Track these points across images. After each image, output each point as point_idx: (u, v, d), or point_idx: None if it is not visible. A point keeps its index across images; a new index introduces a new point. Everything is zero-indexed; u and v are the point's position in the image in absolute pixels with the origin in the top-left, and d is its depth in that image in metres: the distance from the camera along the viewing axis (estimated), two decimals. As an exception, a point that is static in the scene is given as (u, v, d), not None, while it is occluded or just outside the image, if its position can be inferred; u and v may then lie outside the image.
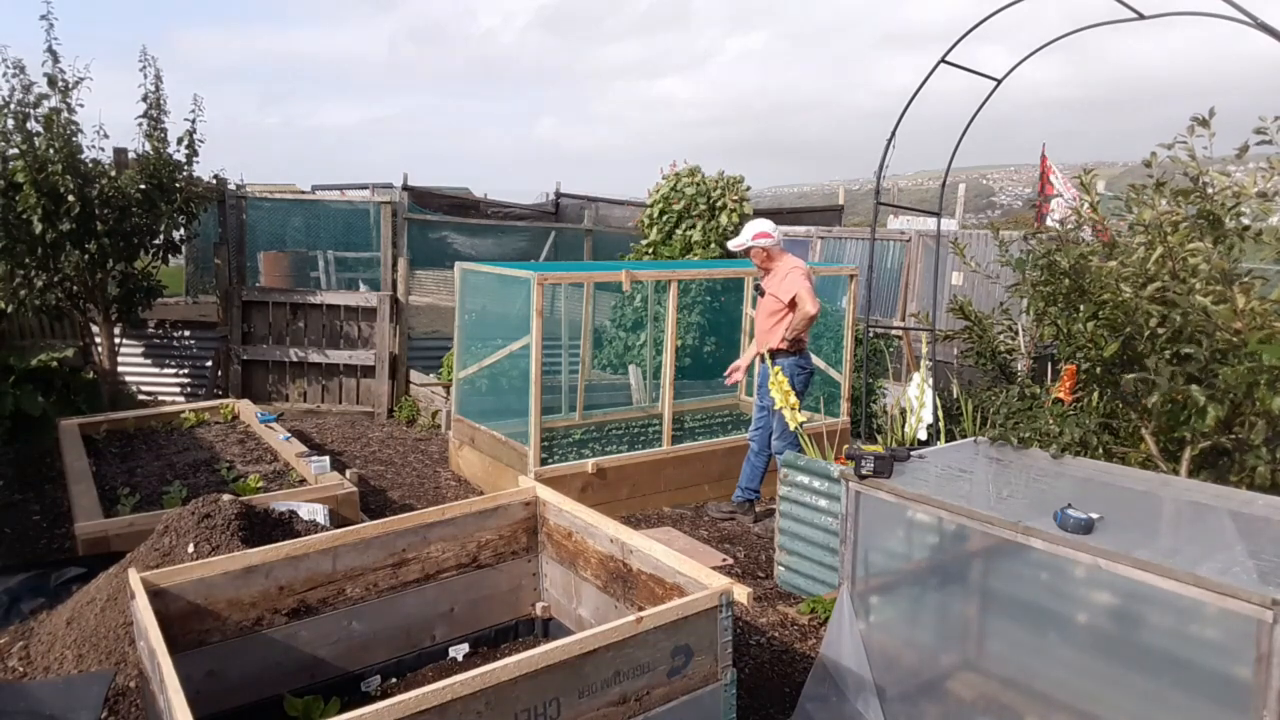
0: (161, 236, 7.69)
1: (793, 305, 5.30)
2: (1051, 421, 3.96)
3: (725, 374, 5.89)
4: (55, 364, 7.53)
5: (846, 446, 4.99)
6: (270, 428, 6.61)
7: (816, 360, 7.06)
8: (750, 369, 5.92)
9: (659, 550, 3.21)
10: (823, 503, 4.47)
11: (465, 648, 3.66)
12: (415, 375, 8.74)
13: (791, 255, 5.58)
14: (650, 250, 8.99)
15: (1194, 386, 3.54)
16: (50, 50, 6.87)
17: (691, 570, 3.04)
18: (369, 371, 8.70)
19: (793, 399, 5.01)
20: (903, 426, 5.08)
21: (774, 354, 5.40)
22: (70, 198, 6.74)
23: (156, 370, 8.76)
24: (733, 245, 5.58)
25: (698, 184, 8.87)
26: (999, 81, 5.47)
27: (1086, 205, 4.33)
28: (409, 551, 3.51)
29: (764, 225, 5.43)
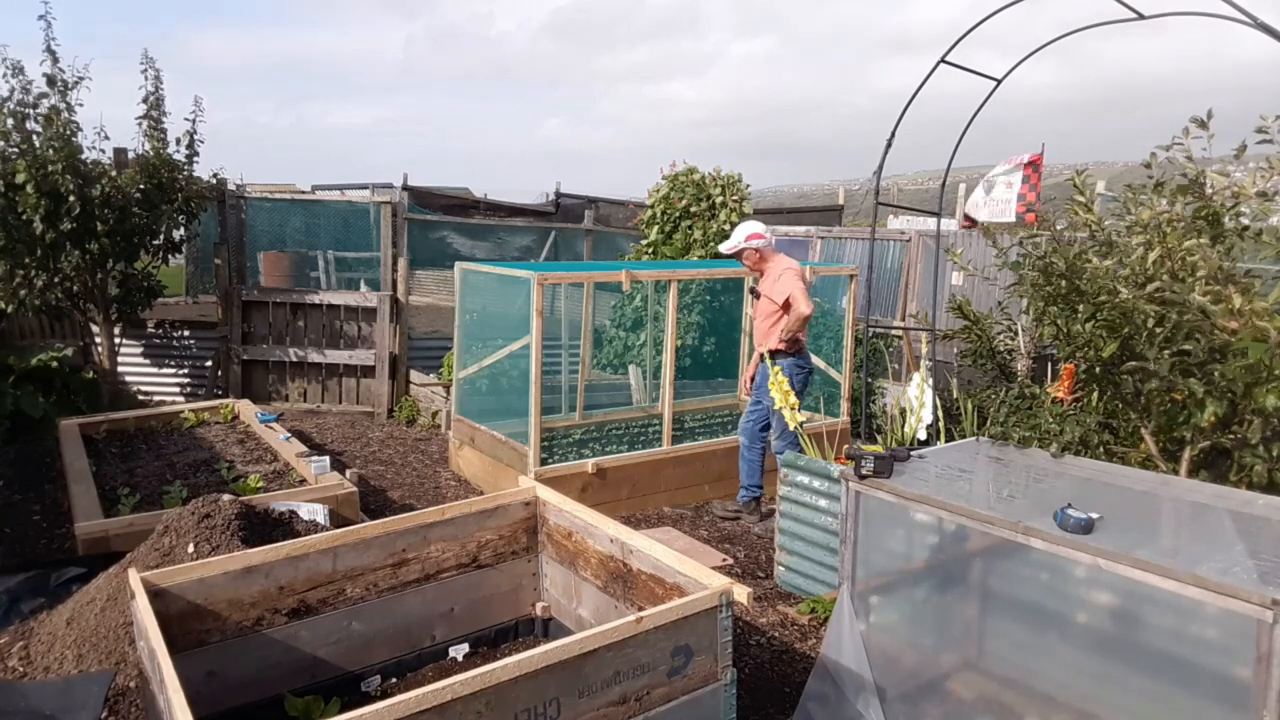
0: (161, 236, 7.69)
1: (787, 306, 5.30)
2: (1051, 421, 3.97)
3: (740, 391, 5.86)
4: (55, 364, 7.54)
5: (846, 446, 4.99)
6: (270, 428, 6.61)
7: (816, 360, 7.05)
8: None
9: (659, 550, 3.21)
10: (823, 503, 4.47)
11: (465, 648, 3.66)
12: (415, 375, 8.74)
13: (785, 256, 5.57)
14: (650, 250, 9.00)
15: (1192, 380, 3.55)
16: (49, 50, 6.87)
17: (691, 570, 3.04)
18: (369, 371, 8.70)
19: (792, 399, 5.01)
20: (903, 426, 5.08)
21: (773, 354, 5.40)
22: (70, 198, 6.75)
23: (156, 370, 8.76)
24: (724, 248, 5.59)
25: (697, 183, 8.88)
26: (999, 81, 5.47)
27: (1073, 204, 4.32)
28: (409, 551, 3.51)
29: (756, 227, 5.47)
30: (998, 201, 8.65)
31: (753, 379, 5.77)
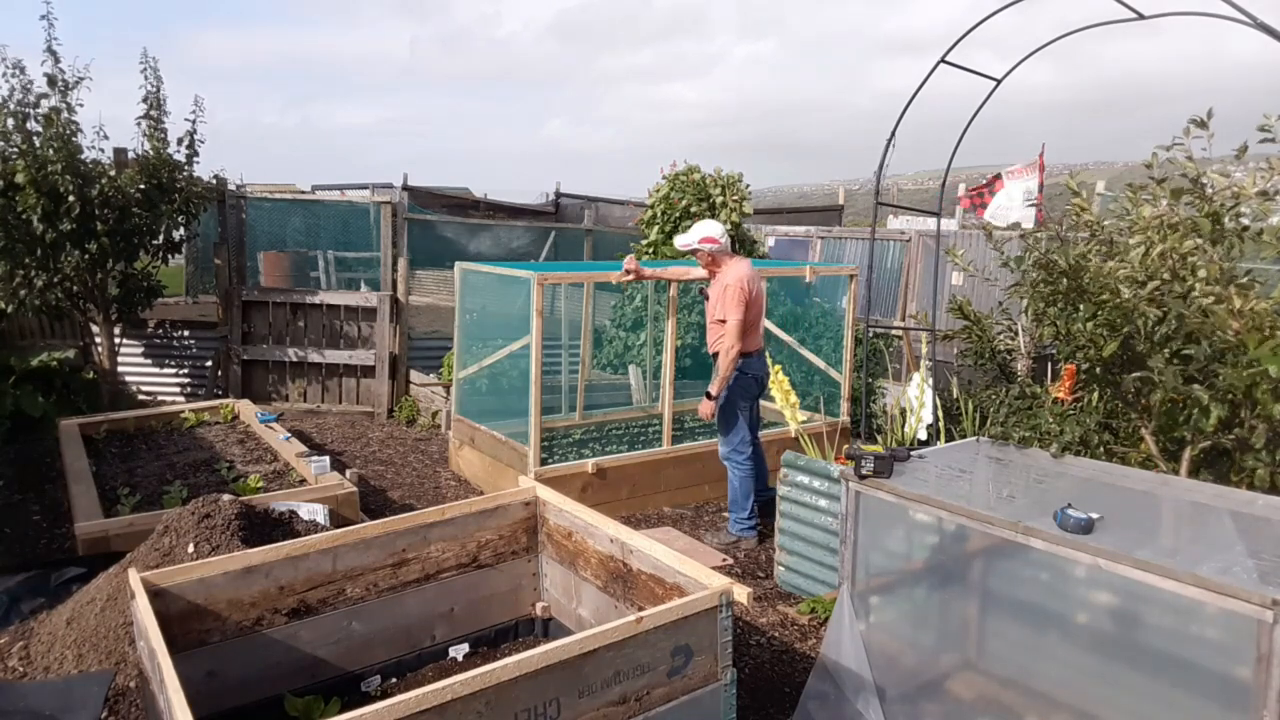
0: (161, 236, 7.69)
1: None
2: (1051, 421, 3.97)
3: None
4: (55, 364, 7.54)
5: (846, 446, 4.98)
6: (270, 428, 6.61)
7: (815, 360, 7.06)
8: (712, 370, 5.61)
9: (659, 550, 3.21)
10: (823, 503, 4.47)
11: (465, 648, 3.66)
12: (415, 375, 8.74)
13: (738, 266, 5.21)
14: (650, 250, 9.00)
15: (1196, 386, 3.55)
16: (50, 50, 6.87)
17: (692, 570, 3.04)
18: (369, 371, 8.70)
19: (793, 398, 5.02)
20: (903, 426, 5.08)
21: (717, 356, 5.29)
22: (70, 198, 6.74)
23: (156, 370, 8.76)
24: (678, 242, 5.34)
25: (697, 183, 8.88)
26: (999, 81, 5.48)
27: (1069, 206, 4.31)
28: (409, 551, 3.51)
29: (712, 230, 5.20)
30: (1017, 203, 8.70)
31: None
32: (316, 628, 3.30)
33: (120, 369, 8.18)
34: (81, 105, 7.03)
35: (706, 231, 5.21)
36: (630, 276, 5.63)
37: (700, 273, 5.60)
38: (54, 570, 4.39)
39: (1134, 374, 3.76)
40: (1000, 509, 2.94)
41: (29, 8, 7.36)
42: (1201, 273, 3.61)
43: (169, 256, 8.30)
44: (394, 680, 3.48)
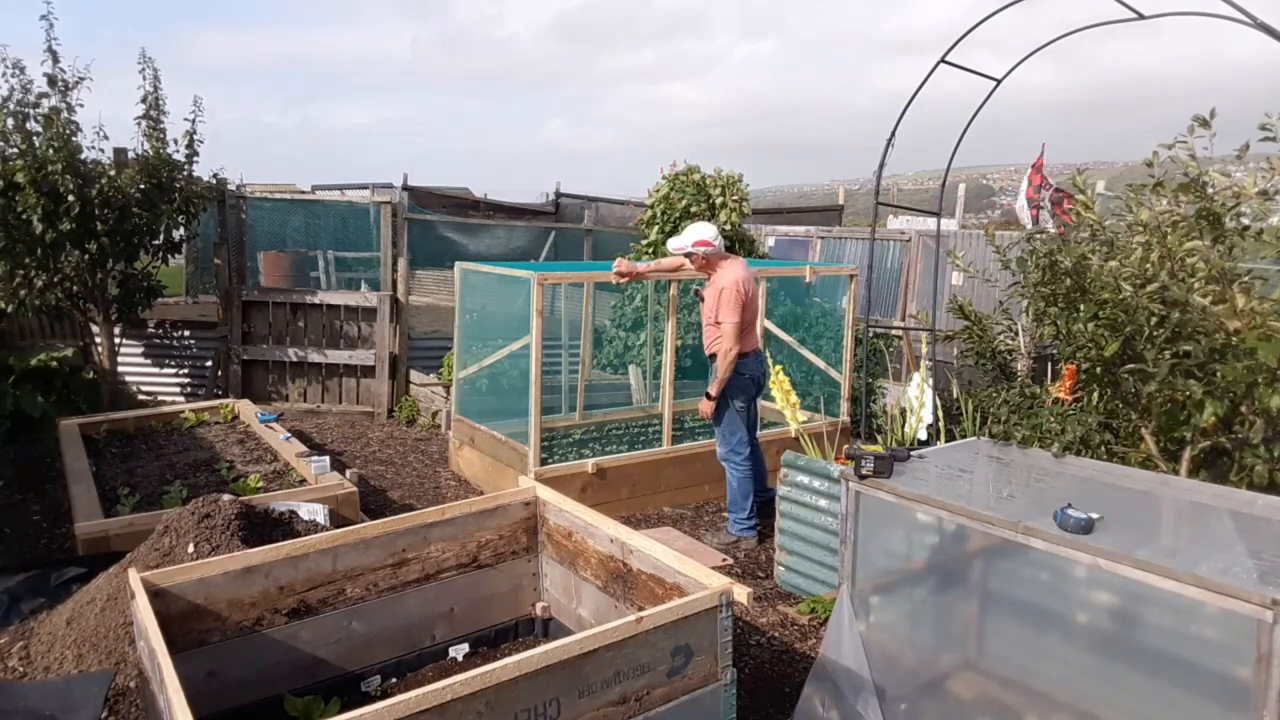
0: (161, 236, 7.69)
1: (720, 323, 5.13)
2: (1052, 420, 3.97)
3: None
4: (55, 364, 7.54)
5: (846, 446, 4.99)
6: (270, 428, 6.61)
7: (815, 360, 7.06)
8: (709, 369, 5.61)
9: (659, 550, 3.21)
10: (823, 503, 4.47)
11: (465, 648, 3.66)
12: (415, 375, 8.75)
13: (733, 267, 5.19)
14: (650, 250, 9.00)
15: (1192, 381, 3.55)
16: (50, 50, 6.87)
17: (692, 570, 3.04)
18: (369, 371, 8.70)
19: (793, 398, 5.02)
20: (903, 426, 5.08)
21: (714, 357, 5.25)
22: (70, 198, 6.74)
23: (156, 370, 8.77)
24: (672, 245, 5.37)
25: (697, 183, 8.88)
26: (999, 81, 5.48)
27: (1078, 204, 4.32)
28: (409, 551, 3.51)
29: (705, 232, 5.20)
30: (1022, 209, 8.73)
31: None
32: (316, 628, 3.30)
33: (120, 369, 8.18)
34: (82, 105, 7.04)
35: (700, 234, 5.21)
36: (627, 278, 5.64)
37: None
38: (54, 570, 4.39)
39: (1129, 365, 3.76)
40: (1000, 509, 2.94)
41: (29, 7, 7.37)
42: (1201, 273, 3.61)
43: (169, 256, 8.30)
44: (394, 680, 3.48)
